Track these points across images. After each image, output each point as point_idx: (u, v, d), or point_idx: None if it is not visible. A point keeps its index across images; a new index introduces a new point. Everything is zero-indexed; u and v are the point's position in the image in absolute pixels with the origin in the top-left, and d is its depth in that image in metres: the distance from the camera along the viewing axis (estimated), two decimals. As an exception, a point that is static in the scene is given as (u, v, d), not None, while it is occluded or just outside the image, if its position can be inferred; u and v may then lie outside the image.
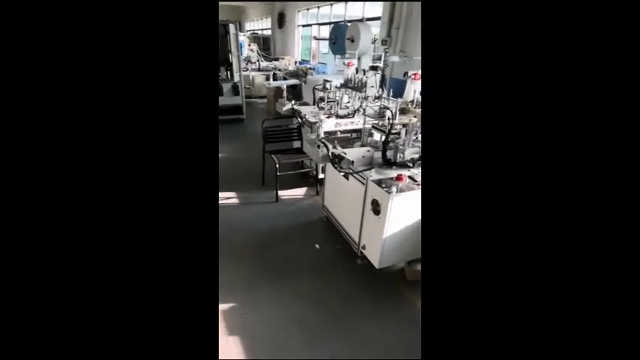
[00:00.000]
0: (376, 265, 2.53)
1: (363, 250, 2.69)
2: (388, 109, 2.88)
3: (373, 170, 2.55)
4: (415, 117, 2.97)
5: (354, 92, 3.87)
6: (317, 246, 3.10)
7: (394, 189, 2.28)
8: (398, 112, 2.82)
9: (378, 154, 2.68)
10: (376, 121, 3.22)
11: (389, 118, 2.86)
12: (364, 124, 2.94)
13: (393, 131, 2.65)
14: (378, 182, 2.41)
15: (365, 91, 3.83)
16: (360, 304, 2.44)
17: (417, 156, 2.71)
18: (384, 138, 2.70)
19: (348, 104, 3.89)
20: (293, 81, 7.87)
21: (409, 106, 3.20)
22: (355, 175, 2.61)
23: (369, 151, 2.63)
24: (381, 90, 4.02)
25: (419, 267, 2.70)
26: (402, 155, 2.65)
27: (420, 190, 2.34)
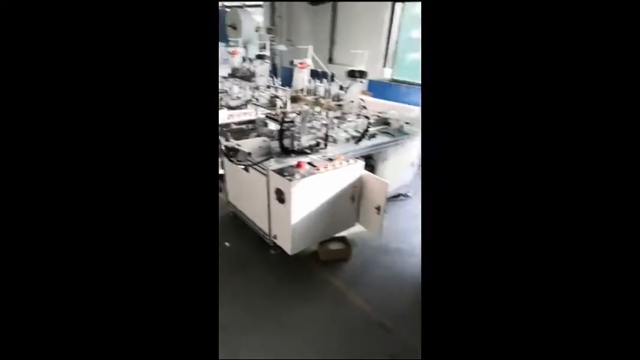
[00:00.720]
0: (289, 251, 2.57)
1: (275, 240, 2.70)
2: (278, 97, 2.89)
3: (272, 160, 2.55)
4: (307, 105, 3.07)
5: (243, 82, 3.76)
6: (227, 244, 2.97)
7: (297, 176, 2.33)
8: (289, 101, 2.87)
9: (276, 144, 2.69)
10: (270, 111, 3.21)
11: (280, 107, 2.89)
12: (257, 114, 2.89)
13: (286, 120, 2.68)
14: (280, 171, 2.42)
15: (255, 81, 3.75)
16: (279, 291, 2.46)
17: (314, 142, 2.82)
18: (279, 127, 2.71)
19: (240, 95, 3.76)
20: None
21: (299, 94, 3.29)
22: (255, 166, 2.56)
23: (265, 141, 2.61)
24: (272, 79, 4.01)
25: (331, 246, 2.87)
26: (298, 143, 2.72)
27: (321, 174, 2.45)
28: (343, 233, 2.97)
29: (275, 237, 2.69)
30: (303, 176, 2.37)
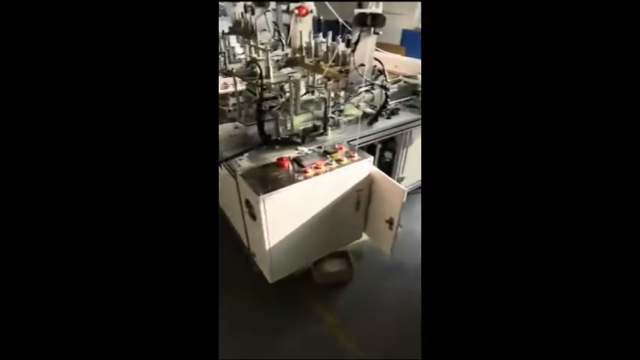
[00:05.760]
0: (269, 279, 1.94)
1: (255, 258, 2.08)
2: (256, 62, 2.03)
3: (246, 155, 1.83)
4: (305, 70, 2.19)
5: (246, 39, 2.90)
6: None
7: (270, 187, 1.61)
8: (272, 66, 2.00)
9: (254, 131, 1.94)
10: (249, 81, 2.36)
11: (259, 76, 2.00)
12: (235, 85, 2.12)
13: (267, 95, 1.89)
14: (249, 175, 1.71)
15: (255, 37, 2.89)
16: (257, 321, 1.91)
17: (310, 125, 2.01)
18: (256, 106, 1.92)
19: (243, 56, 2.94)
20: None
21: (298, 55, 2.37)
22: (224, 164, 1.87)
23: (237, 127, 1.87)
24: (277, 34, 3.12)
25: (327, 266, 2.18)
26: (286, 127, 1.94)
27: (309, 180, 1.69)
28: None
29: (254, 255, 2.07)
30: (282, 185, 1.63)
